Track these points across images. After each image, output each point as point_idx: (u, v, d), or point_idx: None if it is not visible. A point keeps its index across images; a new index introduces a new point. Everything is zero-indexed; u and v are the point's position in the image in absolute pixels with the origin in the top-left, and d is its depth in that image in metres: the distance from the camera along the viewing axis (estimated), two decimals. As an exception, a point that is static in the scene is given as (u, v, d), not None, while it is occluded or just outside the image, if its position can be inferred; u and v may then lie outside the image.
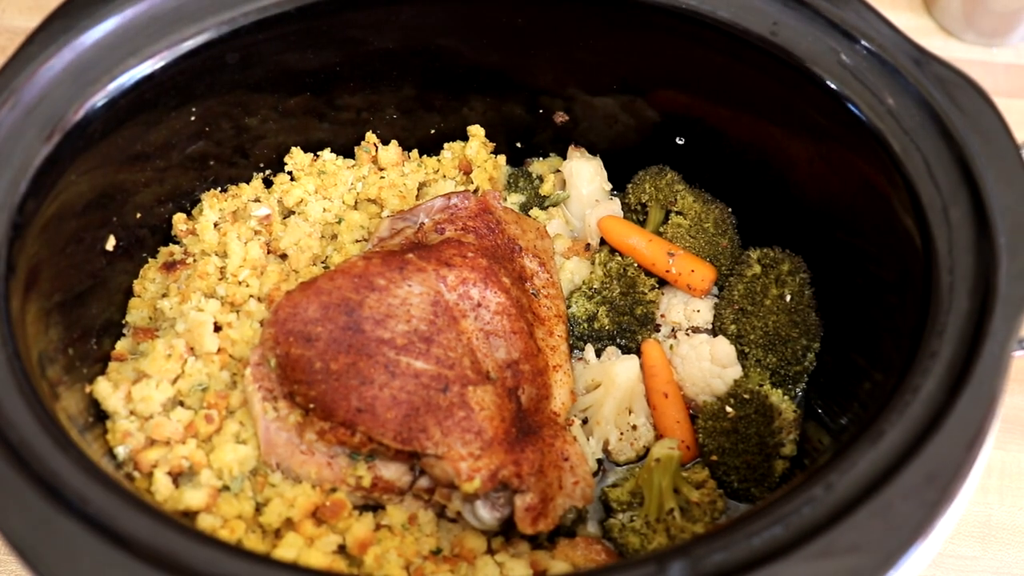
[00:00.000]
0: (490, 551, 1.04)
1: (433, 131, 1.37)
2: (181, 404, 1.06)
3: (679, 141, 1.31)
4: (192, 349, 1.08)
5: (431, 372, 1.00)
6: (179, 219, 1.23)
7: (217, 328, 1.10)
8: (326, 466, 1.02)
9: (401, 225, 1.21)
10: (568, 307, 1.25)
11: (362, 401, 0.98)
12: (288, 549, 0.96)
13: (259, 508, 1.01)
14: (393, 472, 1.03)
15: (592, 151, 1.38)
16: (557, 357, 1.16)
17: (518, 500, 0.99)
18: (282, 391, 1.02)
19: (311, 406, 0.99)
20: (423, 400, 0.99)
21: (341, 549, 1.00)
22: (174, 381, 1.06)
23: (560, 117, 1.35)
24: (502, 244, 1.19)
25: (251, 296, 1.15)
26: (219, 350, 1.08)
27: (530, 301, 1.17)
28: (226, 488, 1.01)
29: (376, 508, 1.06)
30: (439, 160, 1.36)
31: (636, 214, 1.34)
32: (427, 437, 0.97)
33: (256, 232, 1.23)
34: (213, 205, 1.24)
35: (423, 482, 1.03)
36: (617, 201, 1.35)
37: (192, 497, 0.97)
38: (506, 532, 1.04)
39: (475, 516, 1.01)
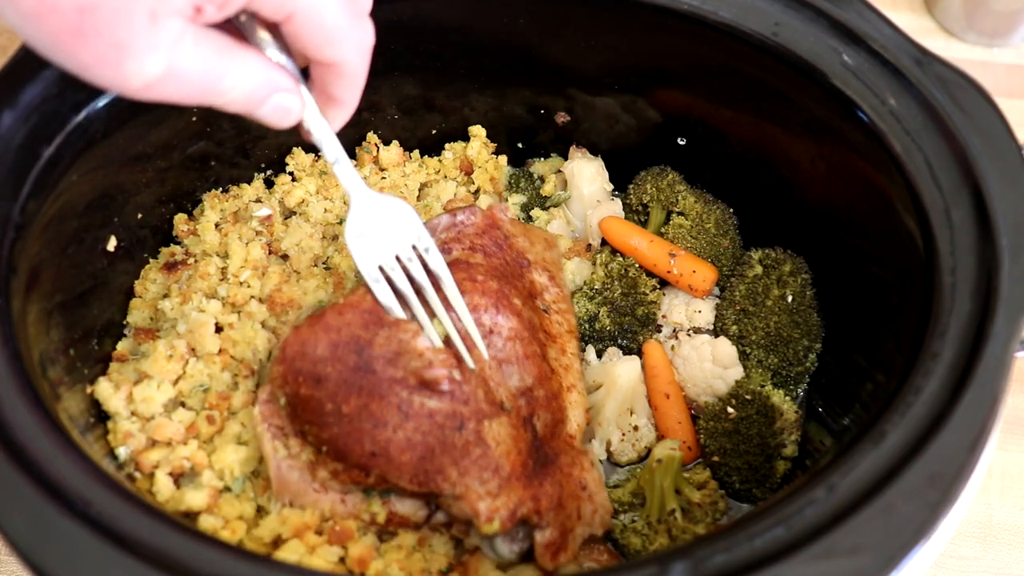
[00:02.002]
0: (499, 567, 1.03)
1: (434, 131, 1.37)
2: (182, 405, 1.06)
3: (680, 142, 1.31)
4: (193, 350, 1.08)
5: (445, 410, 0.96)
6: (180, 220, 1.23)
7: (218, 329, 1.10)
8: (339, 502, 1.00)
9: None
10: (569, 308, 1.26)
11: (376, 445, 0.94)
12: (290, 554, 0.96)
13: (260, 511, 1.01)
14: (408, 508, 1.01)
15: (593, 151, 1.38)
16: (571, 376, 1.12)
17: (538, 536, 0.97)
18: (293, 428, 0.99)
19: (324, 448, 0.97)
20: (438, 440, 0.95)
21: (343, 560, 0.99)
22: (175, 382, 1.06)
23: (561, 117, 1.35)
24: (511, 260, 1.15)
25: (252, 297, 1.15)
26: (220, 351, 1.08)
27: (541, 319, 1.14)
28: (227, 489, 1.01)
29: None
30: (440, 160, 1.36)
31: (637, 215, 1.34)
32: (444, 478, 0.94)
33: (257, 233, 1.23)
34: (214, 206, 1.24)
35: (440, 516, 1.01)
36: (618, 201, 1.35)
37: (193, 498, 0.97)
38: (526, 560, 1.03)
39: (493, 550, 0.99)
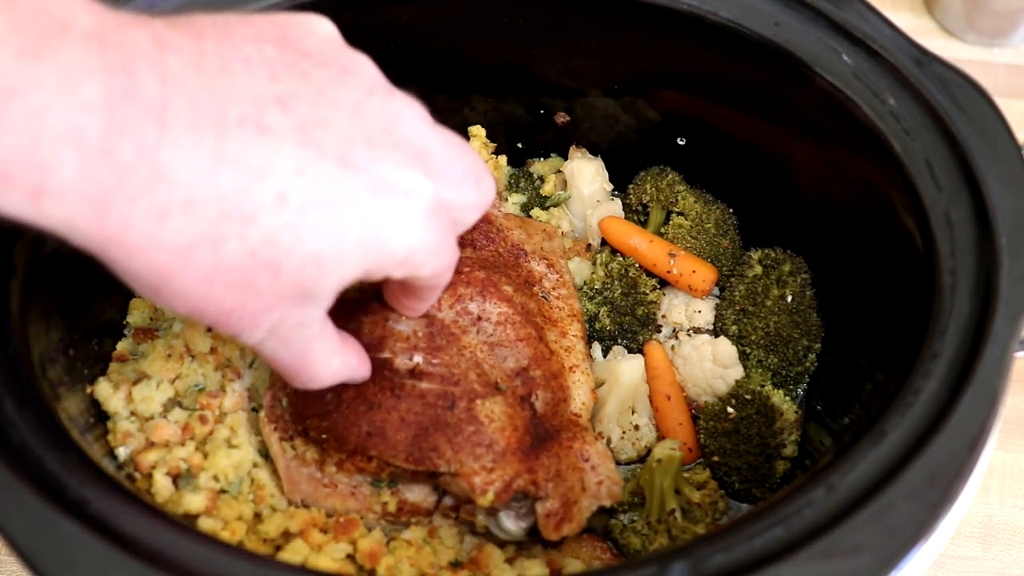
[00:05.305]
0: (508, 560, 1.04)
1: (434, 131, 1.37)
2: (179, 405, 1.06)
3: (680, 142, 1.31)
4: (189, 349, 1.08)
5: (436, 391, 0.99)
6: (180, 219, 1.23)
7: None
8: (350, 496, 1.02)
9: None
10: (570, 307, 1.26)
11: (371, 425, 0.97)
12: (294, 554, 0.95)
13: (259, 516, 1.01)
14: (417, 494, 1.03)
15: (593, 151, 1.38)
16: (573, 357, 1.15)
17: (539, 507, 0.98)
18: (296, 429, 1.02)
19: (325, 437, 0.99)
20: (431, 419, 0.98)
21: (351, 557, 0.99)
22: (174, 382, 1.06)
23: (561, 117, 1.35)
24: (504, 252, 1.18)
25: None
26: (212, 350, 1.08)
27: (539, 305, 1.16)
28: (225, 491, 1.01)
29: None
30: (440, 160, 1.36)
31: (637, 215, 1.34)
32: (439, 455, 0.96)
33: (257, 232, 1.22)
34: (214, 205, 1.23)
35: (448, 501, 1.03)
36: (618, 201, 1.35)
37: (191, 501, 0.97)
38: (535, 541, 1.03)
39: (500, 528, 1.00)
